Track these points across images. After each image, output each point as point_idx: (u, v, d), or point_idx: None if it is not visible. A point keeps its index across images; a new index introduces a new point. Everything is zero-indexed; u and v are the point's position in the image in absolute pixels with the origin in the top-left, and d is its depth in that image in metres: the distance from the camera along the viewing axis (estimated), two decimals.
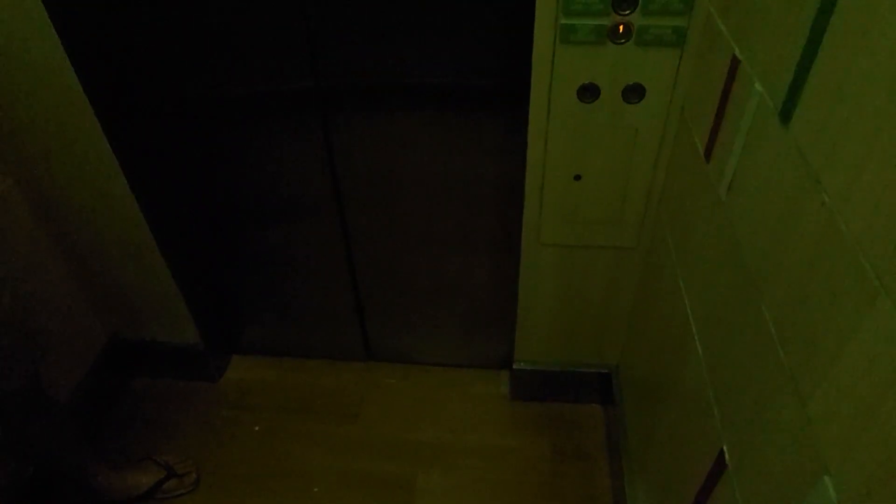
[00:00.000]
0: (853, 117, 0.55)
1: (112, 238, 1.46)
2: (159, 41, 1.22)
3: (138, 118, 1.32)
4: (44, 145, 1.30)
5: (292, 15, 1.15)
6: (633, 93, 1.09)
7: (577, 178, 1.22)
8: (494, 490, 1.52)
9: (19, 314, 1.38)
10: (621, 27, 1.01)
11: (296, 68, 1.23)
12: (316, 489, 1.54)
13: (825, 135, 0.60)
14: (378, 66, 1.21)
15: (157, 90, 1.29)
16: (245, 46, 1.21)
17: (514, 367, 1.64)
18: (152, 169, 1.40)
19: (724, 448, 0.81)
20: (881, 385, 0.49)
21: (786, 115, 0.68)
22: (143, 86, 1.29)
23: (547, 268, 1.40)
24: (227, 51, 1.22)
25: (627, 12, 1.00)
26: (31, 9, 1.10)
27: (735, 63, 0.84)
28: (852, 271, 0.53)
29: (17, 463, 1.43)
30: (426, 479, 1.55)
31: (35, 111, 1.24)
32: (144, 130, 1.35)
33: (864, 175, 0.52)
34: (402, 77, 1.22)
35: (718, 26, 0.93)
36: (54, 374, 1.51)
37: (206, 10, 1.16)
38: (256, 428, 1.68)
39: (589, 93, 1.10)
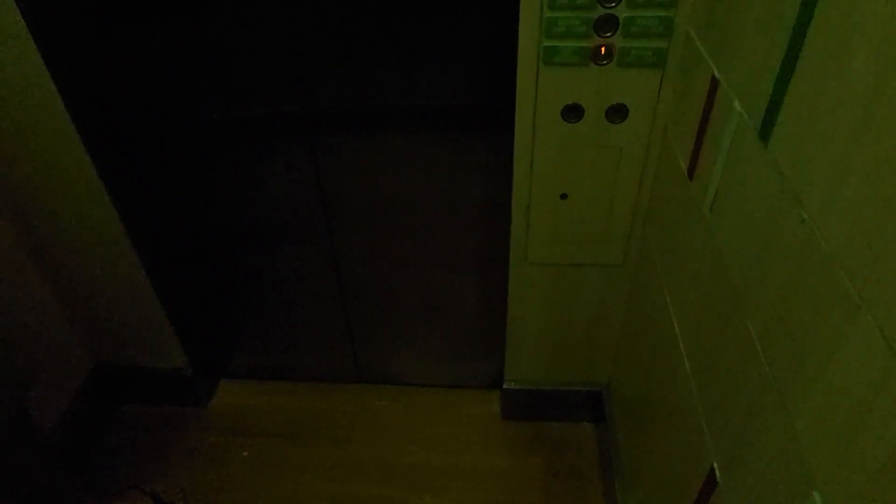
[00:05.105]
0: (829, 136, 0.56)
1: (97, 262, 1.45)
2: (147, 68, 1.22)
3: (125, 142, 1.32)
4: (28, 172, 1.29)
5: (279, 39, 1.16)
6: (617, 113, 1.11)
7: (564, 197, 1.23)
8: None
9: (2, 344, 1.36)
10: (603, 49, 1.03)
11: (283, 92, 1.24)
12: None
13: (803, 153, 0.61)
14: (365, 88, 1.22)
15: (144, 115, 1.30)
16: (233, 71, 1.22)
17: (505, 386, 1.63)
18: (139, 193, 1.40)
19: (715, 464, 0.81)
20: (866, 400, 0.49)
21: (765, 133, 0.69)
22: (131, 110, 1.29)
23: (535, 286, 1.40)
24: (215, 76, 1.23)
25: (609, 34, 1.02)
26: (17, 37, 1.10)
27: (714, 83, 0.86)
28: (833, 287, 0.54)
29: (1, 495, 1.40)
30: (419, 503, 1.53)
31: (20, 137, 1.24)
32: (131, 155, 1.34)
33: (841, 192, 0.53)
34: (389, 99, 1.23)
35: (698, 48, 0.94)
36: (39, 403, 1.48)
37: (194, 37, 1.17)
38: (245, 453, 1.65)
39: (573, 113, 1.12)
